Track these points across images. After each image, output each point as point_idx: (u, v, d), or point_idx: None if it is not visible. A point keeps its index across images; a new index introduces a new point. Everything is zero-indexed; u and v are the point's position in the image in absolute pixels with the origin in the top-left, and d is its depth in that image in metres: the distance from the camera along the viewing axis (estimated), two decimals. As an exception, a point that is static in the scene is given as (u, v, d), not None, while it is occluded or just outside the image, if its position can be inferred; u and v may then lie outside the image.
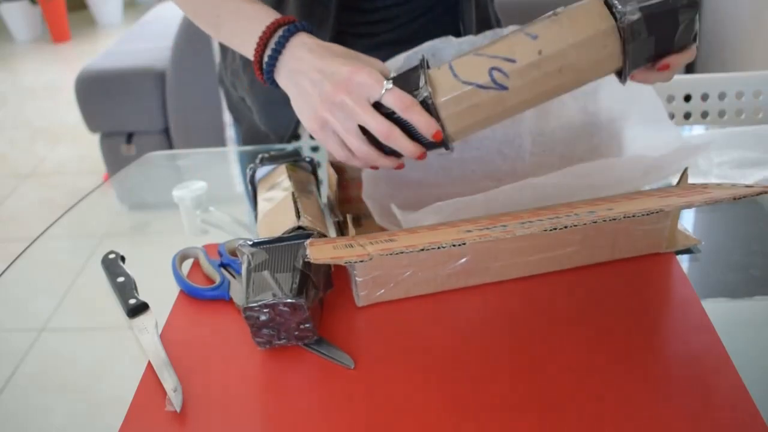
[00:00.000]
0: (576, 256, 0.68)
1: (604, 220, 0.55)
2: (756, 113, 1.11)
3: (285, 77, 0.65)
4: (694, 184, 0.66)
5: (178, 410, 0.55)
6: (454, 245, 0.54)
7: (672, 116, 1.13)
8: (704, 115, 1.13)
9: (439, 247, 0.54)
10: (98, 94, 2.22)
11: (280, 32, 0.65)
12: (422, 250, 0.54)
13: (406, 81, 0.61)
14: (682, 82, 1.13)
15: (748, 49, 1.68)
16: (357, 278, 0.64)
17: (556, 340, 0.60)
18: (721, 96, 1.11)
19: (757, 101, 1.10)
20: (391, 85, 0.60)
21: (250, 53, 0.68)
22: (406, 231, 0.63)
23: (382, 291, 0.65)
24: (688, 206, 0.56)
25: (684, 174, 0.69)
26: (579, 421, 0.52)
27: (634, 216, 0.55)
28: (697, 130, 1.03)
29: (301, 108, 0.65)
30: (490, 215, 0.64)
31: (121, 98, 2.22)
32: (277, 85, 0.67)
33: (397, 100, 0.60)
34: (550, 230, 0.54)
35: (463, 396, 0.55)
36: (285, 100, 0.69)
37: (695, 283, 0.65)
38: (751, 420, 0.51)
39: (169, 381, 0.58)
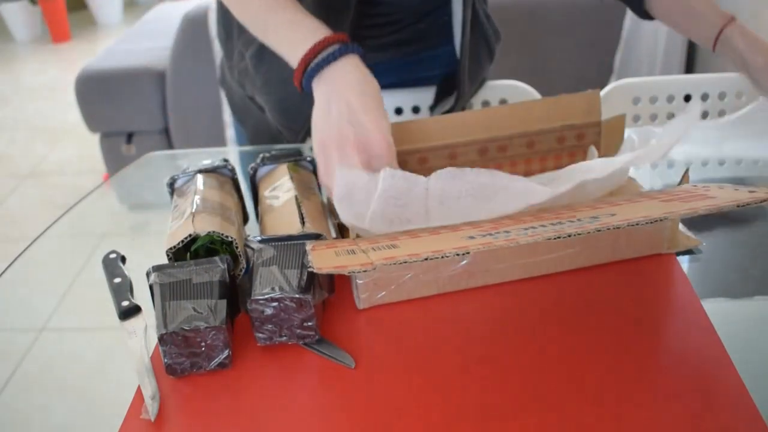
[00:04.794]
0: (577, 257, 0.68)
1: (608, 228, 0.55)
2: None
3: (322, 90, 0.69)
4: (695, 186, 0.65)
5: (152, 419, 0.55)
6: (457, 254, 0.54)
7: (672, 116, 1.13)
8: (704, 115, 1.13)
9: (442, 257, 0.54)
10: (98, 94, 2.22)
11: (336, 45, 0.70)
12: (426, 259, 0.54)
13: None
14: (682, 82, 1.13)
15: (748, 49, 1.68)
16: (358, 281, 0.64)
17: (555, 340, 0.60)
18: (721, 96, 1.11)
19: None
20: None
21: (295, 56, 0.71)
22: (407, 234, 0.63)
23: (383, 293, 0.65)
24: (692, 214, 0.56)
25: (685, 174, 0.69)
26: (579, 421, 0.52)
27: (637, 224, 0.55)
28: (697, 130, 1.03)
29: (317, 123, 0.69)
30: (491, 218, 0.64)
31: (121, 98, 2.22)
32: (308, 91, 0.71)
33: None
34: (554, 239, 0.54)
35: (464, 396, 0.55)
36: (301, 98, 0.71)
37: (695, 283, 0.65)
38: (751, 420, 0.51)
39: (148, 388, 0.57)
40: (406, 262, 0.54)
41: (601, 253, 0.68)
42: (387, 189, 0.63)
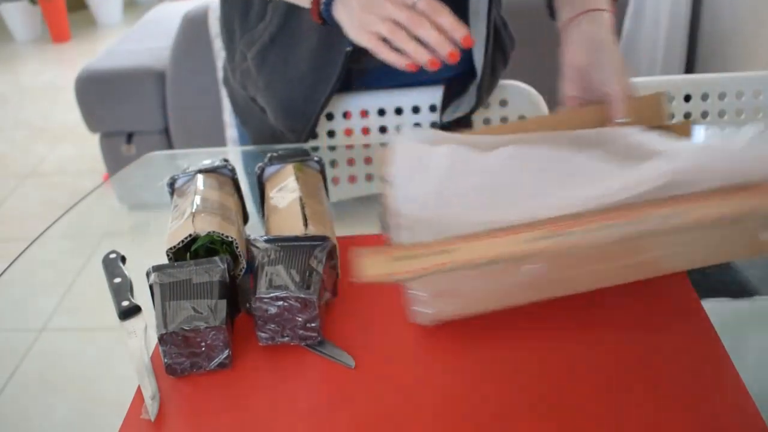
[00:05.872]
0: (663, 261, 0.63)
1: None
2: (756, 113, 1.11)
3: (340, 8, 0.75)
4: None
5: (152, 419, 0.55)
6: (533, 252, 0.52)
7: (672, 116, 1.13)
8: (704, 115, 1.13)
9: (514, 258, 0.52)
10: (98, 94, 2.22)
11: None
12: (495, 262, 0.52)
13: None
14: (682, 82, 1.13)
15: (748, 49, 1.68)
16: (417, 293, 0.60)
17: (555, 340, 0.60)
18: (721, 96, 1.11)
19: (757, 101, 1.10)
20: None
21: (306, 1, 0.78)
22: (461, 240, 0.56)
23: (449, 306, 0.61)
24: None
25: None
26: (579, 421, 0.52)
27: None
28: (697, 130, 1.03)
29: (350, 25, 0.73)
30: (550, 220, 0.57)
31: (121, 98, 2.22)
32: (327, 18, 0.76)
33: (429, 4, 0.67)
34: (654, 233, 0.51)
35: (463, 396, 0.55)
36: (304, 97, 0.71)
37: (695, 283, 0.65)
38: (751, 420, 0.51)
39: (148, 388, 0.57)
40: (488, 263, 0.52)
41: (694, 256, 0.62)
42: (451, 165, 0.63)
